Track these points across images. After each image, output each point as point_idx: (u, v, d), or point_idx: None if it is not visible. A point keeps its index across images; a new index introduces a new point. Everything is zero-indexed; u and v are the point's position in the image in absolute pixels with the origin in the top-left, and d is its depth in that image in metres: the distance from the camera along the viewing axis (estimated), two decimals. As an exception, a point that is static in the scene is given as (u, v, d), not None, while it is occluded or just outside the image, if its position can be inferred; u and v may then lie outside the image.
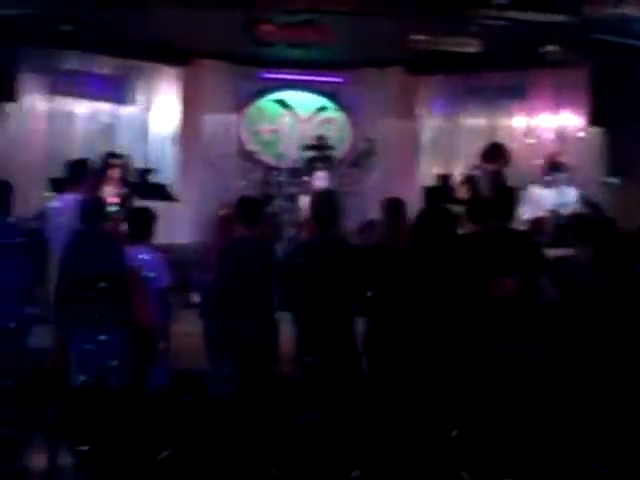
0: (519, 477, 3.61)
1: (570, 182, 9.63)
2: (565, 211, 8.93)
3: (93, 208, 6.27)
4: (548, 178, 9.48)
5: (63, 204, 7.19)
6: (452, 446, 4.10)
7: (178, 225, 12.02)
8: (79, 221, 6.30)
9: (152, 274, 6.57)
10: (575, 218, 6.70)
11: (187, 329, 7.44)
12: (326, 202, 5.88)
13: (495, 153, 9.79)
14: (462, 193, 9.31)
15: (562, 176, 9.40)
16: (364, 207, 12.58)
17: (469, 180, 9.58)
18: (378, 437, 4.28)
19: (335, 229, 5.83)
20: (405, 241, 5.83)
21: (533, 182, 9.79)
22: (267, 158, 13.19)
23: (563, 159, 9.77)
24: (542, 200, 9.33)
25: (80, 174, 7.56)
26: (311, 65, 12.97)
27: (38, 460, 5.95)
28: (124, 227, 7.16)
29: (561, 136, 12.17)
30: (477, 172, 9.63)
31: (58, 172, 9.03)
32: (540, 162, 10.00)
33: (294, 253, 5.87)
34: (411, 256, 5.55)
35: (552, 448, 4.03)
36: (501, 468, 3.74)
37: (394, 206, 6.53)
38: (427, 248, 5.45)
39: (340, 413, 4.47)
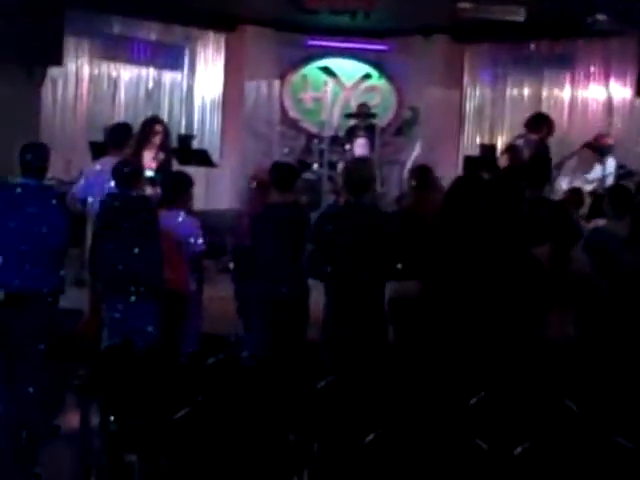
0: (535, 447, 3.58)
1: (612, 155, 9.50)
2: (604, 183, 8.81)
3: (128, 172, 6.29)
4: (594, 168, 9.35)
5: (102, 167, 7.24)
6: (470, 414, 4.08)
7: (219, 191, 12.10)
8: (115, 184, 6.34)
9: (186, 239, 6.61)
10: (613, 189, 6.61)
11: (221, 294, 7.51)
12: (358, 169, 5.84)
13: (539, 123, 9.71)
14: (503, 162, 9.22)
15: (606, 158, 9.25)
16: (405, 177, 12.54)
17: (511, 149, 9.49)
18: (397, 403, 4.29)
19: (367, 196, 5.79)
20: (433, 209, 5.80)
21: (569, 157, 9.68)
22: (309, 126, 13.15)
23: (610, 140, 9.58)
24: (578, 173, 9.20)
25: (120, 138, 7.60)
26: (356, 32, 12.86)
27: (70, 420, 6.05)
28: (159, 192, 7.21)
29: (608, 107, 11.95)
30: (520, 141, 9.56)
31: (101, 137, 9.10)
32: (587, 140, 9.80)
33: (324, 220, 5.85)
34: (440, 224, 5.52)
35: (573, 419, 4.00)
36: (518, 437, 3.71)
37: (422, 174, 6.50)
38: (457, 216, 5.41)
39: (361, 379, 4.47)
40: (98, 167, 7.47)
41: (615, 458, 3.56)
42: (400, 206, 8.61)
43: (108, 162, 6.95)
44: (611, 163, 9.31)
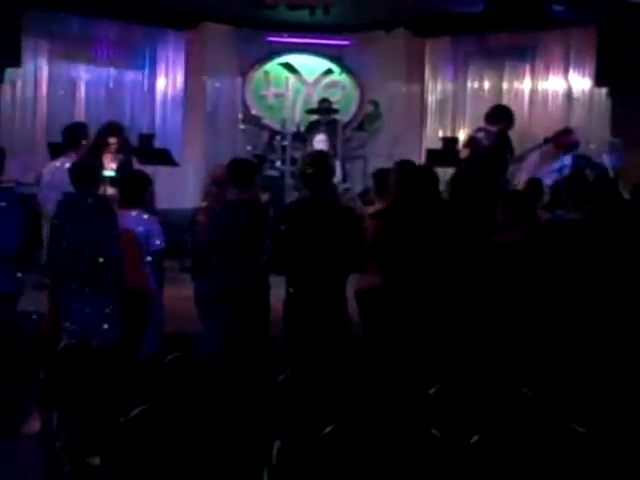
0: (491, 434, 3.60)
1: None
2: (562, 174, 8.89)
3: (84, 172, 6.24)
4: (557, 164, 9.40)
5: (58, 168, 7.19)
6: (428, 404, 4.09)
7: (182, 190, 12.04)
8: (71, 185, 6.29)
9: (146, 238, 6.57)
10: (569, 179, 6.66)
11: (183, 293, 7.47)
12: (314, 164, 5.82)
13: (498, 115, 9.81)
14: (464, 155, 9.27)
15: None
16: (369, 171, 12.55)
17: (471, 142, 9.56)
18: (357, 396, 4.29)
19: (325, 191, 5.78)
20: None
21: (532, 150, 9.75)
22: (272, 122, 13.13)
23: (575, 137, 9.64)
24: (541, 167, 9.27)
25: (75, 138, 7.56)
26: (317, 28, 12.87)
27: (31, 423, 5.99)
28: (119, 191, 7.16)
29: (568, 98, 12.02)
30: (480, 134, 9.62)
31: (60, 138, 9.03)
32: (549, 135, 9.84)
33: (283, 216, 5.83)
34: (393, 215, 5.54)
35: (527, 406, 4.02)
36: (473, 425, 3.73)
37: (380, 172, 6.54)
38: (407, 207, 5.44)
39: (321, 373, 4.47)
40: (54, 168, 7.42)
41: (568, 443, 3.58)
42: (364, 201, 8.64)
43: (64, 162, 6.90)
44: (568, 157, 9.37)
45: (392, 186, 5.92)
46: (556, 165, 9.30)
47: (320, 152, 7.85)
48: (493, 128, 9.63)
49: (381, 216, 5.91)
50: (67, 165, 6.55)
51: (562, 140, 9.54)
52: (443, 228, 5.56)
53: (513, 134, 10.00)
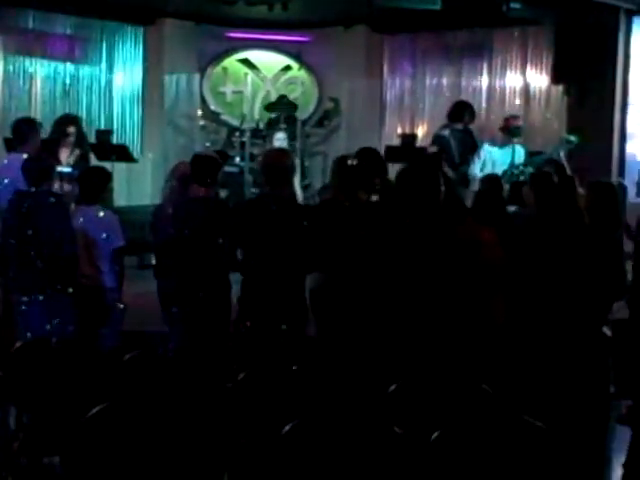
0: (451, 430, 3.62)
1: (522, 142, 9.66)
2: (516, 170, 8.98)
3: (37, 168, 6.18)
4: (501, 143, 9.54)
5: (9, 164, 7.09)
6: (388, 402, 4.10)
7: (140, 187, 11.96)
8: (24, 181, 6.22)
9: (104, 235, 6.52)
10: (534, 176, 6.72)
11: (142, 290, 7.42)
12: (274, 160, 5.81)
13: (462, 111, 9.92)
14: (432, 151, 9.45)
15: (515, 140, 9.40)
16: (328, 167, 12.55)
17: (438, 139, 9.71)
18: (316, 394, 4.29)
19: (285, 188, 5.76)
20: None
21: (489, 142, 9.84)
22: (230, 119, 13.07)
23: (519, 122, 9.75)
24: (496, 159, 9.33)
25: (24, 133, 7.42)
26: (275, 24, 12.81)
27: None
28: (77, 188, 7.09)
29: (525, 94, 12.12)
30: (445, 131, 9.74)
31: (11, 133, 8.92)
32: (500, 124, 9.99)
33: (241, 213, 5.81)
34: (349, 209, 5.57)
35: (486, 402, 4.05)
36: (434, 422, 3.74)
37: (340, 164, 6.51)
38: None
39: (278, 372, 4.46)
40: (5, 164, 7.32)
41: (526, 437, 3.61)
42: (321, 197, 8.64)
43: (15, 159, 6.82)
44: (520, 151, 9.44)
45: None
46: (504, 156, 9.36)
47: (281, 149, 7.85)
48: (459, 125, 9.77)
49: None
50: (17, 161, 6.47)
51: (507, 124, 9.65)
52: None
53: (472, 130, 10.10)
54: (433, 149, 9.51)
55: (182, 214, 6.41)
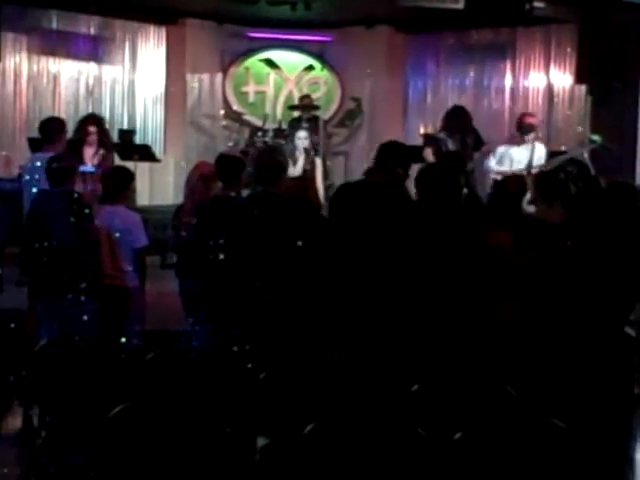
0: (474, 432, 3.60)
1: (539, 140, 9.57)
2: (534, 170, 8.91)
3: (60, 168, 6.20)
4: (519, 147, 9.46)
5: (36, 164, 7.14)
6: (411, 402, 4.09)
7: (162, 186, 12.00)
8: (47, 181, 6.26)
9: (128, 234, 6.54)
10: (540, 177, 6.65)
11: (166, 290, 7.44)
12: (266, 158, 5.77)
13: (455, 115, 9.79)
14: (428, 154, 9.39)
15: (529, 137, 9.29)
16: (351, 167, 12.56)
17: (433, 141, 9.65)
18: (338, 394, 4.29)
19: (275, 186, 5.67)
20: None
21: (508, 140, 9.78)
22: (253, 119, 13.09)
23: (532, 120, 9.63)
24: (514, 157, 9.26)
25: (51, 133, 7.48)
26: (298, 24, 12.84)
27: (13, 421, 5.96)
28: (99, 187, 7.12)
29: (549, 94, 12.07)
30: (442, 134, 9.65)
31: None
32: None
33: (233, 211, 5.77)
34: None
35: (510, 403, 4.03)
36: (458, 424, 3.73)
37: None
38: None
39: (302, 371, 4.46)
40: (30, 164, 7.37)
41: (549, 439, 3.59)
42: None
43: (42, 158, 6.86)
44: (541, 150, 9.36)
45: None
46: (521, 154, 9.27)
47: (274, 146, 7.81)
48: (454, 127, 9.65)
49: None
50: (44, 160, 6.50)
51: (520, 122, 9.54)
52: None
53: (494, 131, 10.06)
54: (428, 152, 9.48)
55: (206, 213, 6.41)
